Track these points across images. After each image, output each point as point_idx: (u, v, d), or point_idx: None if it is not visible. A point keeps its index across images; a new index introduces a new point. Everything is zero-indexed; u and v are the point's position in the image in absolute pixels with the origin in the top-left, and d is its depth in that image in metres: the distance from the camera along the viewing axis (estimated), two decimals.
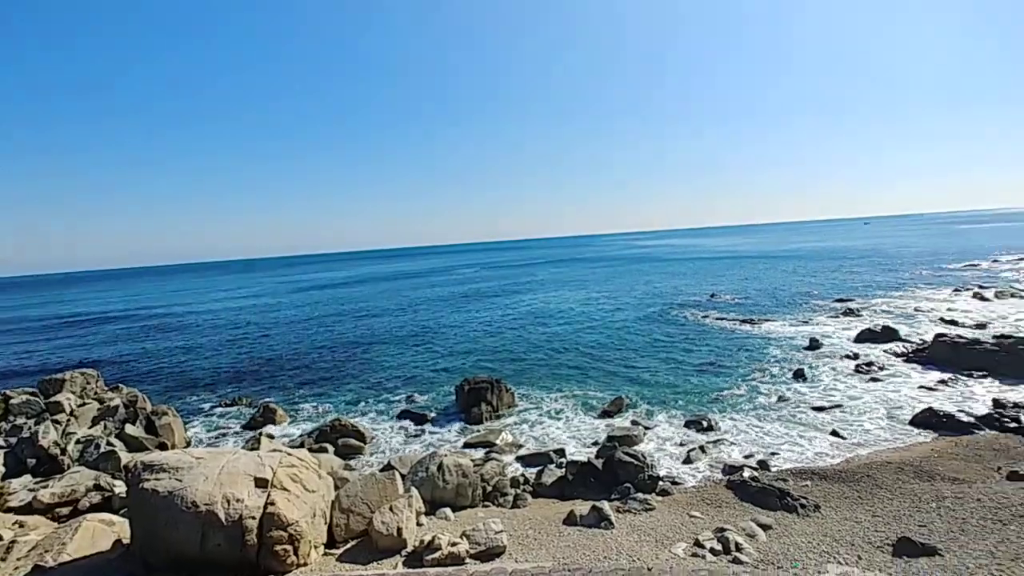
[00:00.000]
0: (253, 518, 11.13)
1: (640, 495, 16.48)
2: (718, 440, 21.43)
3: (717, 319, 47.69)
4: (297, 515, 11.63)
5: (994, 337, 30.99)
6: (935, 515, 13.83)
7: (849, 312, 45.60)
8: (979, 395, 24.13)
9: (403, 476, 16.58)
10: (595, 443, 22.10)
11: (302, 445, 22.86)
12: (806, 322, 43.52)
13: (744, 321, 45.44)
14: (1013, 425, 19.70)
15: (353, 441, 23.48)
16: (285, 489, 12.03)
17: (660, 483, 17.61)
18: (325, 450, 22.45)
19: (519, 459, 21.37)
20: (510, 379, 30.94)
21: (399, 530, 12.83)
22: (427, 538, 12.60)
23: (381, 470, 18.92)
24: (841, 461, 18.71)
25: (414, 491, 15.07)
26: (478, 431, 24.53)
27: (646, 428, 23.24)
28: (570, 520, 14.90)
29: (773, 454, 19.82)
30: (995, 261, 78.92)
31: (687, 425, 23.35)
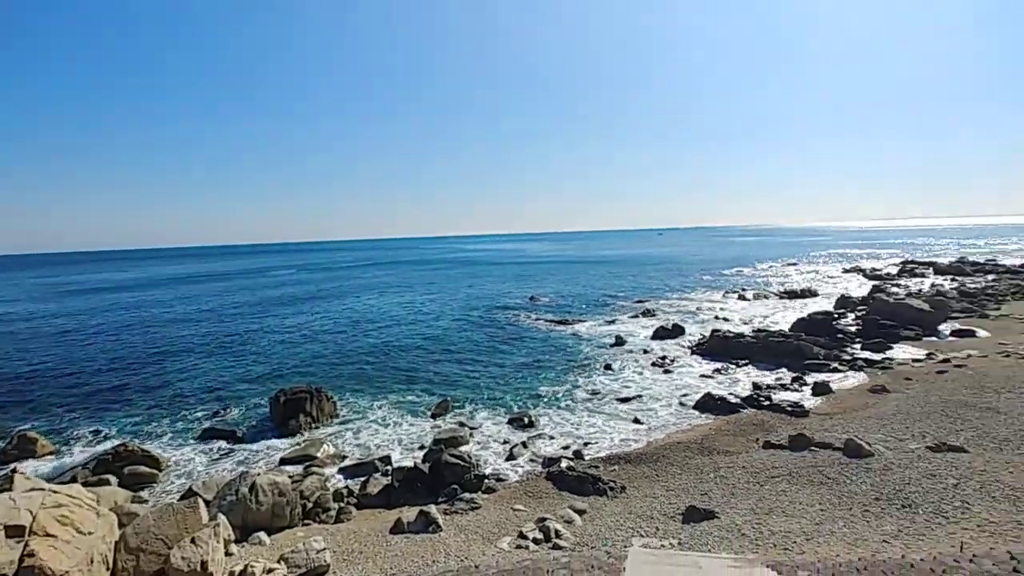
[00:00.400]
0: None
1: (467, 495, 16.83)
2: (538, 435, 22.72)
3: (536, 320, 50.69)
4: (67, 564, 9.78)
5: (753, 331, 38.00)
6: (713, 484, 16.33)
7: (647, 312, 51.69)
8: (742, 380, 28.93)
9: (207, 503, 14.90)
10: (422, 447, 21.99)
11: (75, 480, 19.19)
12: (612, 322, 48.28)
13: (560, 322, 48.90)
14: (767, 403, 24.13)
15: (144, 468, 20.35)
16: (50, 535, 10.05)
17: (486, 481, 18.14)
18: (107, 482, 19.11)
19: (342, 471, 20.43)
20: (331, 387, 29.34)
21: (203, 564, 11.45)
22: (238, 568, 11.45)
23: (181, 498, 16.72)
24: (642, 445, 21.11)
25: (221, 518, 13.59)
26: (297, 445, 22.90)
27: (471, 428, 23.76)
28: (397, 528, 14.67)
29: (587, 444, 21.59)
30: (755, 268, 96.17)
31: (510, 423, 24.38)
